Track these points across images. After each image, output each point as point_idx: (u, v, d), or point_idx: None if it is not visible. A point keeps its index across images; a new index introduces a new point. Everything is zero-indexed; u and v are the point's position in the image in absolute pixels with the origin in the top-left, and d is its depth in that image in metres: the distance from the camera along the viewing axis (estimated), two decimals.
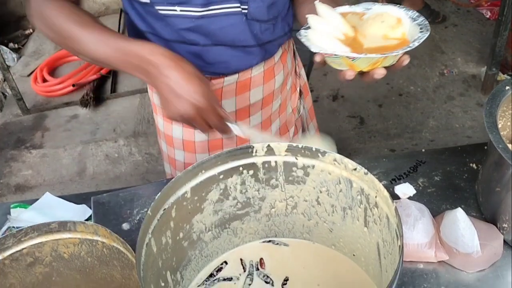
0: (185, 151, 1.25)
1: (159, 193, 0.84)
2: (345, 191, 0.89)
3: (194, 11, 1.01)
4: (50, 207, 1.20)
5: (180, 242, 0.92)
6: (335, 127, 2.93)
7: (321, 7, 0.88)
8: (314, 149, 0.89)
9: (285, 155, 0.92)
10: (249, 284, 0.97)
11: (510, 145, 1.09)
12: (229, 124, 0.94)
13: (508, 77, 3.01)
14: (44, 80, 3.41)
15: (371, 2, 0.93)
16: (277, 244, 1.04)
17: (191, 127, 0.95)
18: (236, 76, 1.16)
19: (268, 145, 0.91)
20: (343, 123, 2.96)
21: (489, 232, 1.00)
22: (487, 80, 3.01)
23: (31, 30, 4.05)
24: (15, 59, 3.75)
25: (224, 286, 0.97)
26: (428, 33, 0.84)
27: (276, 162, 0.93)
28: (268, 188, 0.97)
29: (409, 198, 1.08)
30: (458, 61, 3.33)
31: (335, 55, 0.83)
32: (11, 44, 3.87)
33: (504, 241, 1.00)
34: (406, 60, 0.85)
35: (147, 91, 1.53)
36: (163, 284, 0.87)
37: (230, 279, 0.98)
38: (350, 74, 0.85)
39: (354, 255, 0.97)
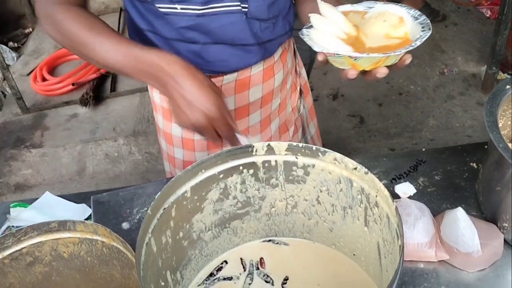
0: (184, 149, 1.25)
1: (159, 192, 0.83)
2: (346, 190, 0.89)
3: (194, 9, 1.01)
4: (50, 207, 1.20)
5: (180, 242, 0.91)
6: (335, 126, 2.93)
7: (323, 6, 0.88)
8: (314, 148, 0.89)
9: (285, 154, 0.91)
10: (249, 284, 0.97)
11: (511, 144, 1.09)
12: (238, 136, 0.95)
13: (509, 76, 3.01)
14: (44, 79, 3.41)
15: (373, 1, 0.93)
16: (277, 243, 1.04)
17: (201, 135, 0.96)
18: (235, 74, 1.16)
19: (268, 144, 0.91)
20: (343, 122, 2.96)
21: (489, 232, 1.00)
22: (487, 79, 3.01)
23: (30, 29, 4.05)
24: (15, 58, 3.75)
25: (224, 285, 0.97)
26: (430, 32, 0.84)
27: (276, 161, 0.93)
28: (268, 188, 0.97)
29: (409, 197, 1.08)
30: (458, 60, 3.33)
31: (338, 54, 0.83)
32: (10, 43, 3.87)
33: (505, 240, 1.00)
34: (408, 59, 0.86)
35: (147, 90, 1.53)
36: (163, 283, 0.87)
37: (230, 278, 0.98)
38: (352, 73, 0.85)
39: (354, 254, 0.97)
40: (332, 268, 0.98)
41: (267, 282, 0.96)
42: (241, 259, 1.01)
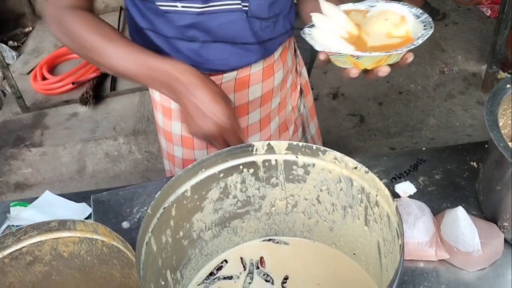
0: (183, 147, 1.25)
1: (159, 191, 0.83)
2: (346, 189, 0.89)
3: (195, 7, 1.01)
4: (50, 206, 1.20)
5: (180, 241, 0.91)
6: (335, 125, 2.93)
7: (325, 5, 0.88)
8: (314, 148, 0.89)
9: (286, 153, 0.91)
10: (249, 283, 0.97)
11: (511, 143, 1.09)
12: None
13: (509, 75, 3.00)
14: (44, 78, 3.41)
15: None
16: (277, 242, 1.04)
17: (210, 144, 0.99)
18: (235, 73, 1.16)
19: (269, 144, 0.91)
20: (343, 121, 2.96)
21: (489, 231, 1.00)
22: (487, 78, 3.01)
23: (30, 28, 4.05)
24: (15, 57, 3.75)
25: (224, 284, 0.97)
26: (432, 31, 0.84)
27: (276, 160, 0.93)
28: (269, 187, 0.96)
29: (410, 196, 1.08)
30: (458, 59, 3.33)
31: (340, 53, 0.83)
32: (10, 42, 3.87)
33: (505, 239, 1.00)
34: (410, 58, 0.86)
35: (147, 89, 1.53)
36: (163, 283, 0.87)
37: (230, 277, 0.98)
38: (354, 72, 0.85)
39: (354, 254, 0.97)
40: (332, 267, 0.98)
41: (267, 281, 0.96)
42: (241, 258, 1.01)
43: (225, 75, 1.15)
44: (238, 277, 0.98)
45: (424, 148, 1.25)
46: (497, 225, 1.02)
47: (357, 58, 0.83)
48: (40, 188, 2.72)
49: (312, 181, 0.93)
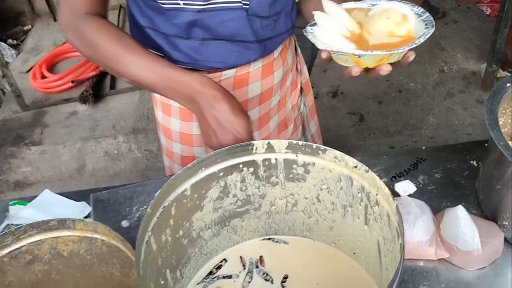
0: (182, 144, 1.25)
1: (159, 190, 0.83)
2: (346, 188, 0.89)
3: (196, 4, 1.01)
4: (49, 204, 1.19)
5: (179, 240, 0.91)
6: (335, 124, 2.93)
7: (327, 4, 0.88)
8: (314, 147, 0.88)
9: (286, 152, 0.91)
10: (249, 282, 0.96)
11: (511, 142, 1.09)
12: None
13: (509, 74, 3.01)
14: (43, 77, 3.41)
15: None
16: (277, 241, 1.04)
17: None
18: (234, 70, 1.16)
19: (268, 143, 0.91)
20: (343, 120, 2.96)
21: (489, 230, 1.00)
22: (487, 77, 3.01)
23: (29, 26, 4.05)
24: (14, 55, 3.74)
25: (223, 283, 0.97)
26: (433, 29, 0.84)
27: (276, 159, 0.92)
28: (268, 186, 0.96)
29: (409, 195, 1.08)
30: (458, 57, 3.32)
31: (341, 52, 0.83)
32: (9, 40, 3.87)
33: (505, 238, 1.00)
34: (412, 56, 0.86)
35: None
36: (162, 282, 0.86)
37: (229, 276, 0.98)
38: (356, 71, 0.85)
39: (354, 253, 0.97)
40: (332, 266, 0.98)
41: (266, 280, 0.96)
42: (241, 257, 1.01)
43: (224, 72, 1.15)
44: (237, 276, 0.98)
45: (424, 147, 1.25)
46: (497, 224, 1.02)
47: (358, 57, 0.83)
48: (39, 186, 2.72)
49: (312, 180, 0.93)
